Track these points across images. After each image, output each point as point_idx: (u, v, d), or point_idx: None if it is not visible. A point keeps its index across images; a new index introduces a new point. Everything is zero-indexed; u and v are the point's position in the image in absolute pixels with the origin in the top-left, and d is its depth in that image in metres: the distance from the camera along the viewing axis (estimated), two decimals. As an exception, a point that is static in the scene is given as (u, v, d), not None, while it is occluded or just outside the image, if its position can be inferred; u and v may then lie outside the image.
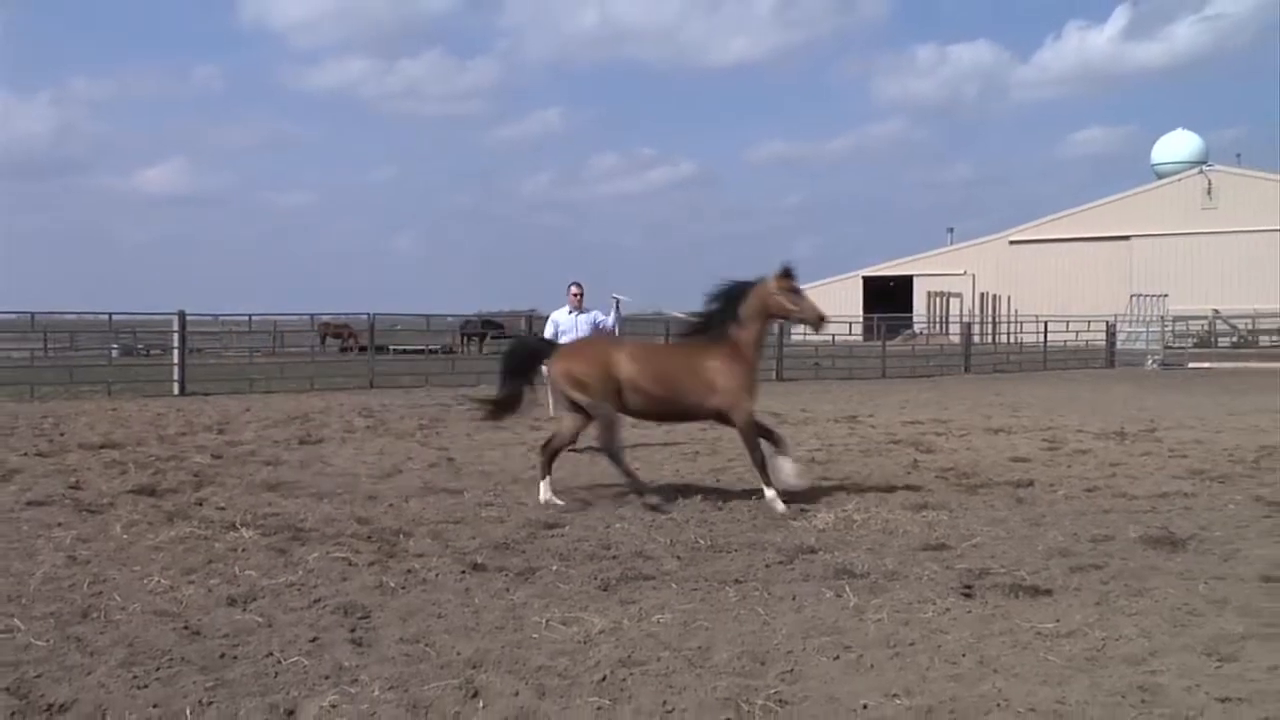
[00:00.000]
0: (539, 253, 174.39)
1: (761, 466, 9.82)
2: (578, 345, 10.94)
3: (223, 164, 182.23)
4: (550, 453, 10.26)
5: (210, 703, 4.92)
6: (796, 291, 10.03)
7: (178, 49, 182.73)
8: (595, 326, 14.27)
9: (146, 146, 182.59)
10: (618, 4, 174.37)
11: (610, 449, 10.03)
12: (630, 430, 14.77)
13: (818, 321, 10.22)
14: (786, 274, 9.99)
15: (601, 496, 10.40)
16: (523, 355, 10.75)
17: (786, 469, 9.84)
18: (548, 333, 14.41)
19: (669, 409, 10.20)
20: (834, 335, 44.01)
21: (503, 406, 10.53)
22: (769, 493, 9.69)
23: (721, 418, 10.04)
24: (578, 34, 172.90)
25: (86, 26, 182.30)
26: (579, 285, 14.35)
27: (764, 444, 9.92)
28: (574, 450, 13.51)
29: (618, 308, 14.81)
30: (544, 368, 10.46)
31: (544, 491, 10.05)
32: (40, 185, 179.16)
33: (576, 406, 10.05)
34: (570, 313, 14.29)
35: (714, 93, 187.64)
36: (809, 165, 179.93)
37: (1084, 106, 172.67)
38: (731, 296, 10.01)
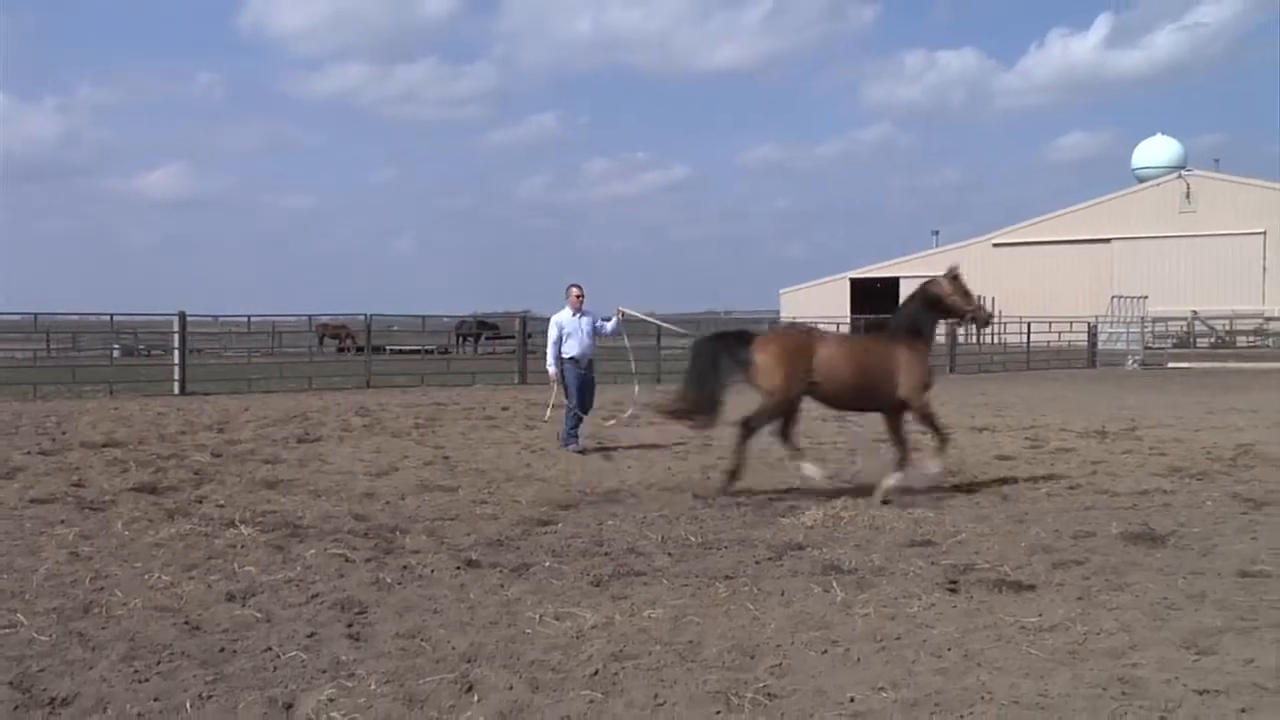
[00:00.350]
0: (533, 255, 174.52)
1: (942, 439, 10.64)
2: (782, 336, 11.10)
3: (223, 168, 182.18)
4: (787, 438, 10.51)
5: (210, 696, 4.91)
6: (967, 293, 10.72)
7: (181, 56, 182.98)
8: (595, 329, 14.25)
9: (149, 151, 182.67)
10: (611, 12, 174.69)
11: (774, 431, 10.42)
12: (637, 431, 14.77)
13: (987, 319, 11.27)
14: (955, 276, 10.72)
15: (594, 495, 10.40)
16: (721, 346, 10.53)
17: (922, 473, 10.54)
18: (551, 335, 14.31)
19: (862, 398, 10.52)
20: (822, 336, 44.07)
21: (701, 409, 10.31)
22: (934, 466, 10.55)
23: (904, 406, 10.48)
24: (572, 41, 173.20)
25: (91, 34, 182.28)
26: (579, 287, 14.29)
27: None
28: (579, 451, 13.53)
29: (620, 316, 14.75)
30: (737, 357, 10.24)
31: (806, 470, 10.39)
32: (44, 188, 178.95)
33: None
34: (573, 315, 14.23)
35: (705, 98, 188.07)
36: (798, 169, 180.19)
37: (1067, 112, 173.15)
38: (920, 299, 10.70)
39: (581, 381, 14.20)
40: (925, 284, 10.74)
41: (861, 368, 10.24)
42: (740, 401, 10.41)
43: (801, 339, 10.52)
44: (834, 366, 10.10)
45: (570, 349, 14.14)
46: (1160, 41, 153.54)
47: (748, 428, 10.09)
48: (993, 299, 65.04)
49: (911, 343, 10.43)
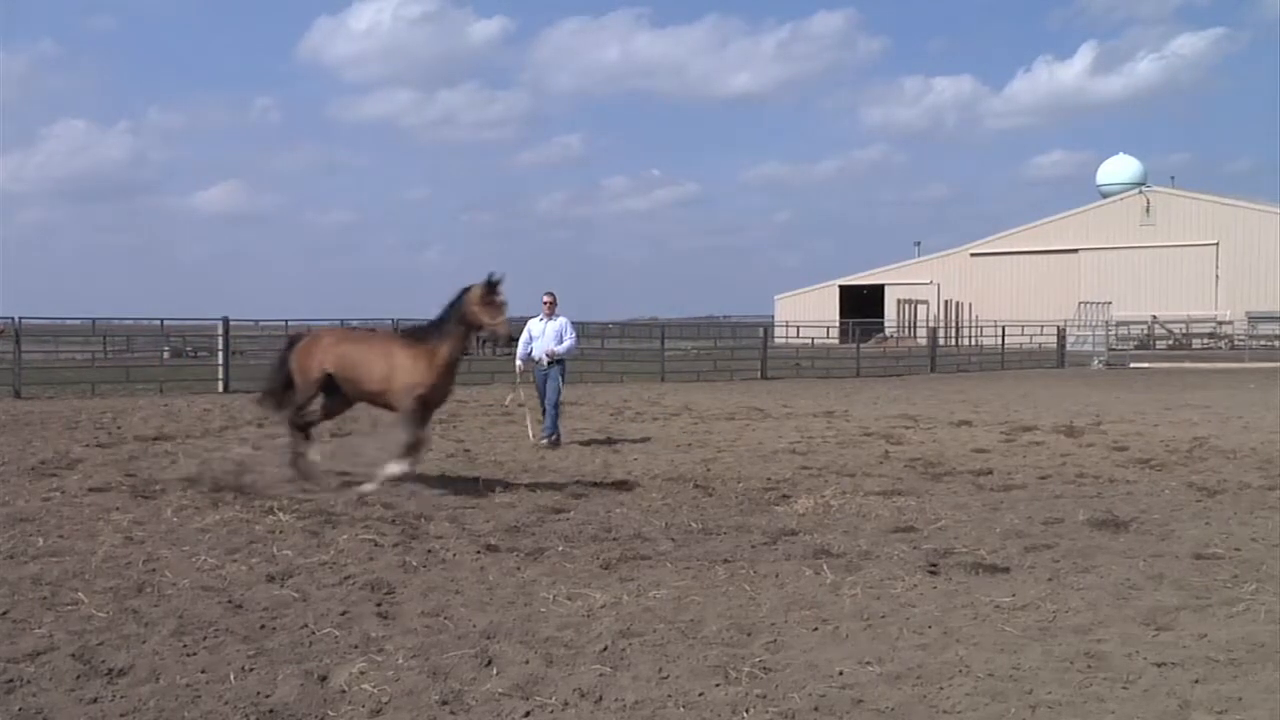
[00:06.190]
0: (549, 264, 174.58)
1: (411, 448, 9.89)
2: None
3: (274, 186, 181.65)
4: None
5: (252, 669, 4.92)
6: (495, 307, 9.57)
7: (240, 83, 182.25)
8: (559, 334, 14.10)
9: (208, 170, 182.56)
10: (637, 41, 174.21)
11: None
12: (634, 424, 14.74)
13: (506, 339, 10.51)
14: (490, 284, 9.57)
15: (603, 485, 10.40)
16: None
17: None
18: (523, 339, 14.14)
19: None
20: (813, 339, 44.09)
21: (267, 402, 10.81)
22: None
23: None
24: (600, 68, 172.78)
25: (162, 63, 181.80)
26: (551, 295, 14.19)
27: None
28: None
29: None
30: None
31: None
32: (112, 206, 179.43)
33: None
34: (540, 320, 14.15)
35: (719, 121, 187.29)
36: (798, 185, 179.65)
37: (1049, 132, 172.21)
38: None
39: (543, 380, 14.10)
40: (463, 290, 9.67)
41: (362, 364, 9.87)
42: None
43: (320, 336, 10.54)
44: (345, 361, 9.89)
45: (536, 351, 14.08)
46: (1140, 69, 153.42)
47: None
48: (970, 304, 65.28)
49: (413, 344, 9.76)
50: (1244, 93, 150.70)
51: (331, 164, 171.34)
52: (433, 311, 9.95)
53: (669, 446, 13.56)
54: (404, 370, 9.58)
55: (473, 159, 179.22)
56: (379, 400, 10.00)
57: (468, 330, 9.68)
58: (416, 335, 9.96)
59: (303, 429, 10.22)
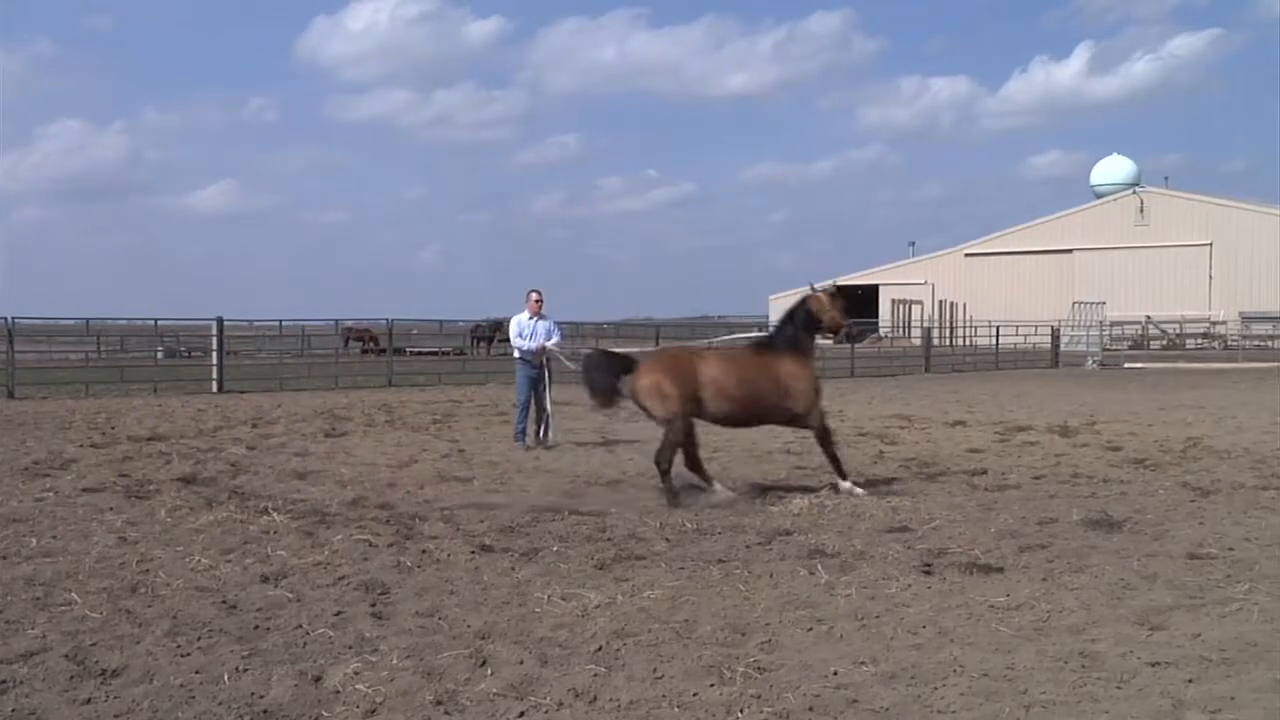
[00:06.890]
0: (545, 264, 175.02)
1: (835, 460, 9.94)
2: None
3: (270, 186, 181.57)
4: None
5: (246, 669, 4.92)
6: (846, 310, 10.41)
7: (237, 83, 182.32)
8: (548, 332, 14.15)
9: (203, 170, 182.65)
10: (634, 42, 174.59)
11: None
12: (629, 425, 14.76)
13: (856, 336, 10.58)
14: (833, 293, 10.32)
15: (598, 484, 10.40)
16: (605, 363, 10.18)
17: None
18: (514, 332, 14.18)
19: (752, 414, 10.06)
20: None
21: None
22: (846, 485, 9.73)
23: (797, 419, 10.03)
24: (598, 68, 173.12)
25: (158, 63, 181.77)
26: (538, 292, 14.15)
27: None
28: (582, 443, 13.52)
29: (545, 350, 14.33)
30: None
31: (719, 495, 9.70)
32: (106, 207, 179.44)
33: None
34: (530, 318, 14.13)
35: (715, 121, 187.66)
36: (794, 186, 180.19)
37: (1045, 132, 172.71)
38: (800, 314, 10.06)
39: (533, 380, 14.04)
40: (805, 299, 10.00)
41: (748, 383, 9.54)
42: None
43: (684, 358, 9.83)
44: (721, 385, 9.40)
45: (528, 348, 14.00)
46: (1136, 70, 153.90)
47: (661, 466, 9.37)
48: (964, 304, 65.31)
49: (796, 356, 9.76)
50: (1240, 93, 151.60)
51: (328, 164, 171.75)
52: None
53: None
54: (813, 389, 9.74)
55: (470, 159, 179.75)
56: (778, 420, 9.91)
57: (820, 335, 10.18)
58: (787, 351, 9.78)
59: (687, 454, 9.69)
